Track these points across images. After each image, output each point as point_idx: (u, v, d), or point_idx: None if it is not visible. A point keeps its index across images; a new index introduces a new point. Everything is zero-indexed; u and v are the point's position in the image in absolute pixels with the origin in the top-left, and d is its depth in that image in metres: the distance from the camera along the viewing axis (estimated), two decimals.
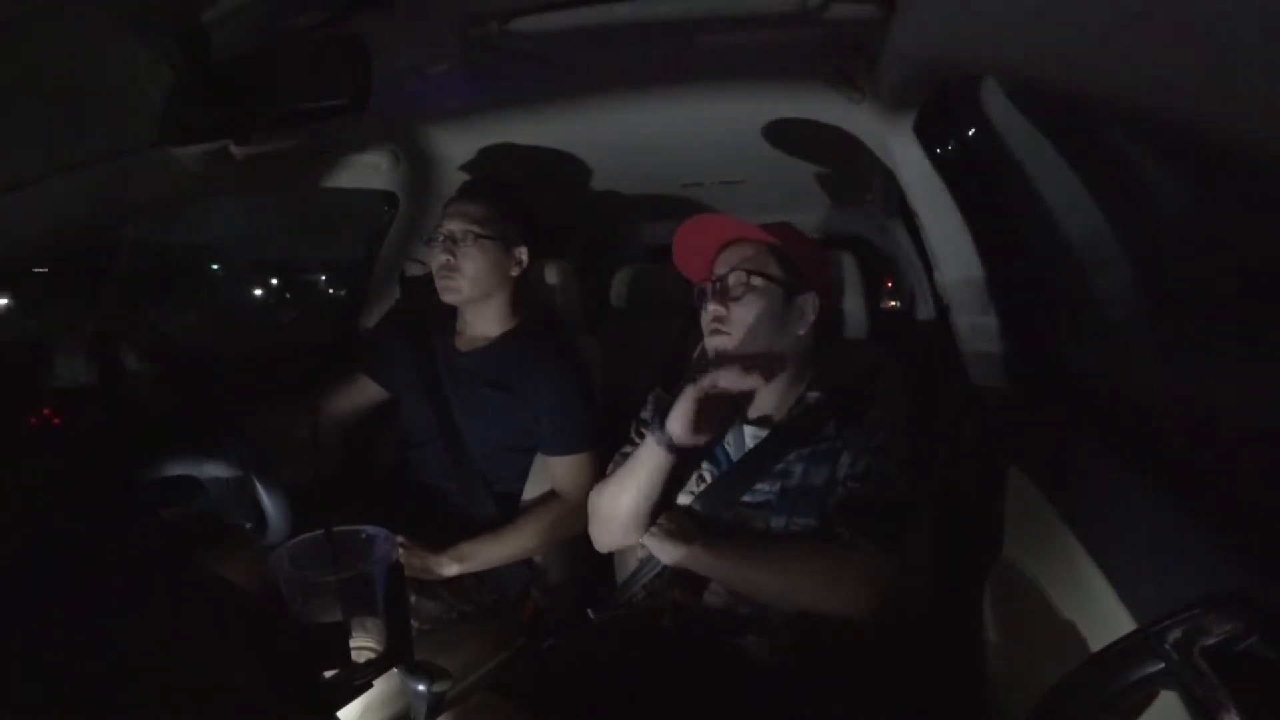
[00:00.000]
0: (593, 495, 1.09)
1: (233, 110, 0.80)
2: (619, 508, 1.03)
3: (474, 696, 0.86)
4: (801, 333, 1.05)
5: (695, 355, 1.35)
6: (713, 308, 1.03)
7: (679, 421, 0.96)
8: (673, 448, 0.98)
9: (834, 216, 2.05)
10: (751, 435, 1.06)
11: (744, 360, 1.00)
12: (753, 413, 1.08)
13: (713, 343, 1.04)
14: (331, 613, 0.62)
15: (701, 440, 0.98)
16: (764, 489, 1.01)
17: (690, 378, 1.12)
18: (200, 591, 0.60)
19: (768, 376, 1.04)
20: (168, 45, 0.80)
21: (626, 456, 1.11)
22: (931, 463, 1.30)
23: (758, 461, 1.03)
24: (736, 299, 1.02)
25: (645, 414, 1.15)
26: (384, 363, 1.40)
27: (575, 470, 1.26)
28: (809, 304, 1.05)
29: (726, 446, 1.07)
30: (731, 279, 1.03)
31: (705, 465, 1.07)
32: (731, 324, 1.02)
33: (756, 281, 1.02)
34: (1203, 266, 0.79)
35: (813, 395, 1.05)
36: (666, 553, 0.99)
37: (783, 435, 1.03)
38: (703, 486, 1.05)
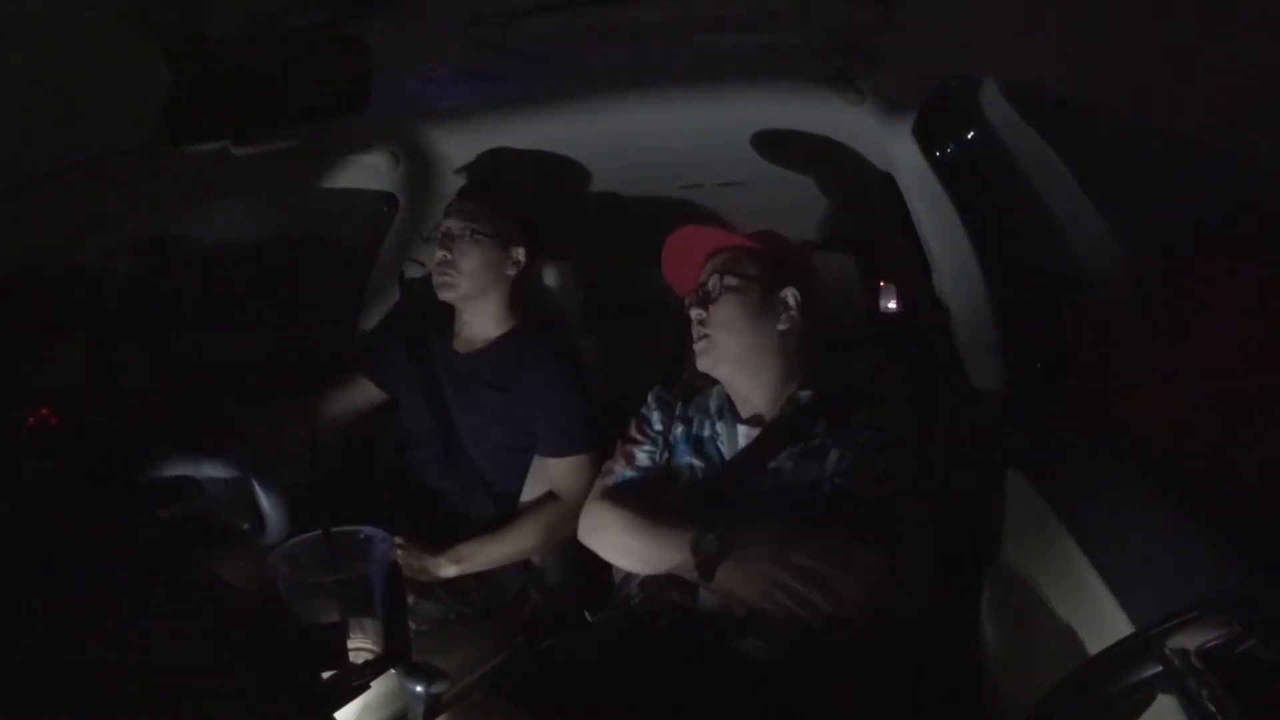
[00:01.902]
0: (604, 519, 1.04)
1: (232, 110, 0.81)
2: (622, 557, 1.04)
3: (471, 697, 0.86)
4: (783, 327, 1.07)
5: (689, 371, 1.35)
6: (695, 312, 1.07)
7: (730, 584, 0.91)
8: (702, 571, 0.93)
9: (833, 218, 2.05)
10: (744, 434, 1.06)
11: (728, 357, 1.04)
12: (745, 411, 1.08)
13: (697, 346, 1.07)
14: (329, 614, 0.62)
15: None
16: (755, 487, 1.01)
17: (692, 384, 1.13)
18: (198, 592, 0.60)
19: (753, 370, 1.05)
20: (168, 44, 0.80)
21: (628, 454, 1.11)
22: (930, 464, 1.30)
23: (749, 459, 1.03)
24: (715, 300, 1.06)
25: (646, 410, 1.15)
26: (383, 364, 1.40)
27: (573, 471, 1.26)
28: (789, 297, 1.08)
29: (719, 444, 1.08)
30: (710, 283, 1.07)
31: (697, 463, 1.07)
32: (711, 325, 1.05)
33: (731, 281, 1.06)
34: (1200, 265, 0.79)
35: (804, 394, 1.05)
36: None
37: (774, 433, 1.04)
38: (695, 484, 1.05)
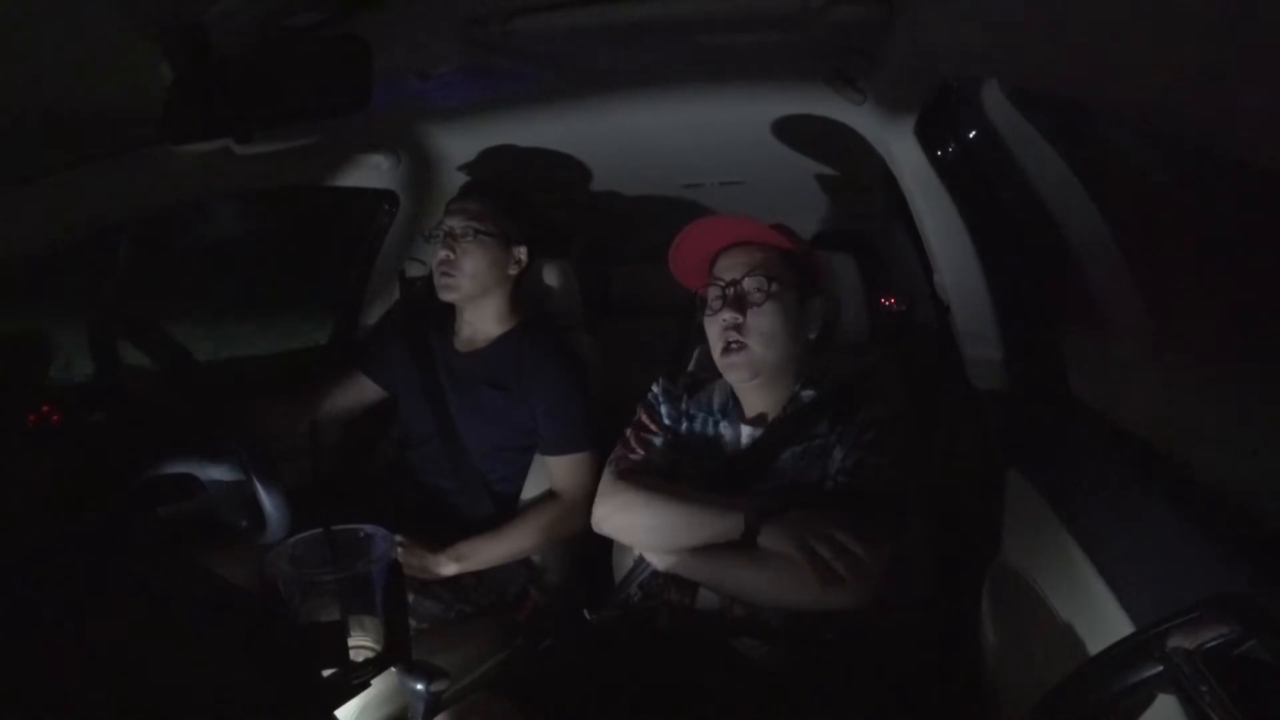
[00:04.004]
0: (628, 499, 1.01)
1: (234, 109, 0.81)
2: (650, 534, 0.99)
3: (472, 696, 0.86)
4: (812, 337, 1.06)
5: (693, 365, 1.35)
6: (729, 315, 0.99)
7: (773, 543, 0.89)
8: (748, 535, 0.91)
9: (834, 217, 2.06)
10: (748, 433, 1.06)
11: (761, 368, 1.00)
12: (749, 410, 1.08)
13: (733, 357, 1.00)
14: (330, 612, 0.62)
15: None
16: (758, 486, 1.01)
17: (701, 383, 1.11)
18: (198, 590, 0.60)
19: (773, 377, 1.04)
20: (169, 43, 0.80)
21: (644, 440, 1.10)
22: (930, 464, 1.30)
23: (752, 458, 1.03)
24: (756, 305, 0.99)
25: (654, 401, 1.14)
26: (383, 362, 1.40)
27: (573, 470, 1.26)
28: (819, 307, 1.06)
29: (723, 444, 1.07)
30: (749, 284, 1.00)
31: (702, 462, 1.07)
32: (750, 332, 0.99)
33: (774, 287, 0.99)
34: (1200, 265, 0.79)
35: (807, 394, 1.05)
36: (658, 556, 1.00)
37: (777, 433, 1.03)
38: (699, 484, 1.05)
